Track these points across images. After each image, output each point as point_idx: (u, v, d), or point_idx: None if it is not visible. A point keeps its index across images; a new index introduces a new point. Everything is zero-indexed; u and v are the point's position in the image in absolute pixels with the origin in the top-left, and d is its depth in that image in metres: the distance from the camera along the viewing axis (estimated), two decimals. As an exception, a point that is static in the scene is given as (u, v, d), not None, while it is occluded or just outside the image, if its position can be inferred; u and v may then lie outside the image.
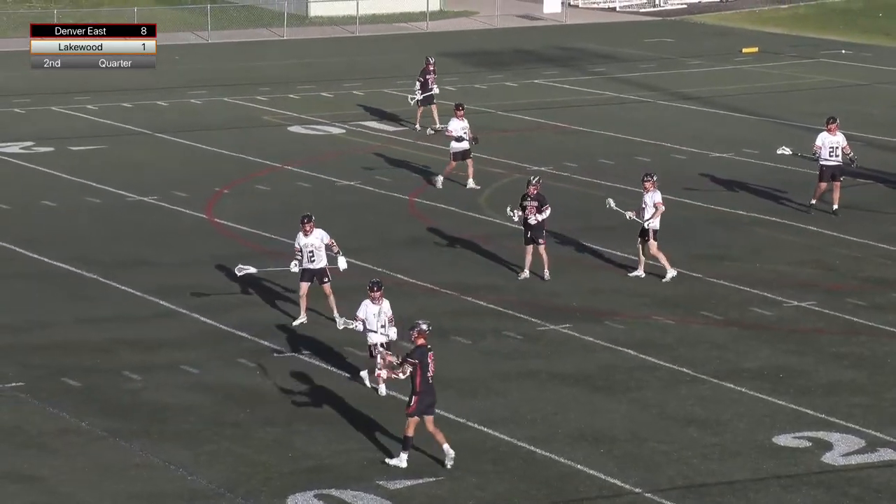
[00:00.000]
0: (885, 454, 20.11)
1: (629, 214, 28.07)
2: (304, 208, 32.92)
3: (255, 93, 46.52)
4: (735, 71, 51.46)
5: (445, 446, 19.65)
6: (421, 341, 19.74)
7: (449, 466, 19.54)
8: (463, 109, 34.96)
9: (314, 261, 25.19)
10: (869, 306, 26.25)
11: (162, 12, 60.54)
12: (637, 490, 19.15)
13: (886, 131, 40.47)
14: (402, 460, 19.67)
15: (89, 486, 19.23)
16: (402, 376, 19.83)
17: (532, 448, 20.44)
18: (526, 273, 28.01)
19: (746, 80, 49.32)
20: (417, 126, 40.60)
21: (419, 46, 56.42)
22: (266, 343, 24.51)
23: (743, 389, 22.49)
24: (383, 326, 22.06)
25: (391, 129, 41.76)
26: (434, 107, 40.47)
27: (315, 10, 62.37)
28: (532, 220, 27.81)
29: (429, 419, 19.66)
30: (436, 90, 40.74)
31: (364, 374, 22.68)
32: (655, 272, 27.88)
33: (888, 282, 27.71)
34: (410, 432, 19.67)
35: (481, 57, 54.13)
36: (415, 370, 19.58)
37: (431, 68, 40.66)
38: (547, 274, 27.84)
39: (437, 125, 38.84)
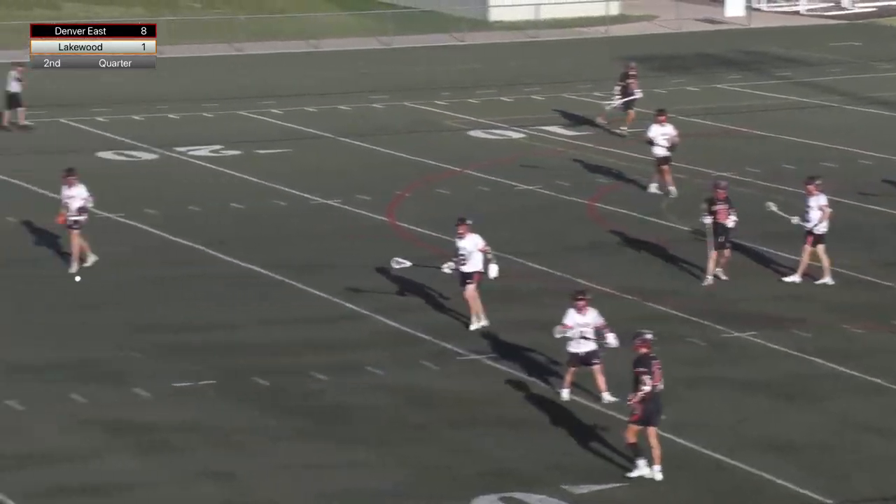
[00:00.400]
0: None
1: (794, 220, 27.73)
2: (483, 212, 33.14)
3: (436, 97, 46.80)
4: None
5: (657, 467, 19.30)
6: (644, 350, 19.37)
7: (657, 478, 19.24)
8: (664, 115, 34.58)
9: (464, 264, 25.19)
10: None
11: (346, 18, 61.26)
12: (829, 501, 18.87)
13: None
14: (640, 467, 19.32)
15: (278, 484, 19.54)
16: (645, 388, 19.18)
17: (718, 456, 20.25)
18: (710, 279, 27.78)
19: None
20: (625, 129, 40.28)
21: (599, 51, 56.28)
22: (448, 345, 24.65)
23: (933, 398, 22.03)
24: (584, 338, 21.84)
25: (571, 133, 41.69)
26: (631, 112, 40.18)
27: (495, 14, 62.54)
28: (730, 224, 27.54)
29: (651, 430, 19.25)
30: (639, 94, 40.50)
31: (565, 393, 22.36)
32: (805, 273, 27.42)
33: None
34: (633, 438, 19.31)
35: (662, 61, 53.75)
36: (641, 379, 19.22)
37: (633, 73, 40.37)
38: (724, 275, 27.52)
39: (625, 129, 38.95)
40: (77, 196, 28.38)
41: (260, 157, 38.68)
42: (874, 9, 66.58)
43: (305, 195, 34.66)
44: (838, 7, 67.08)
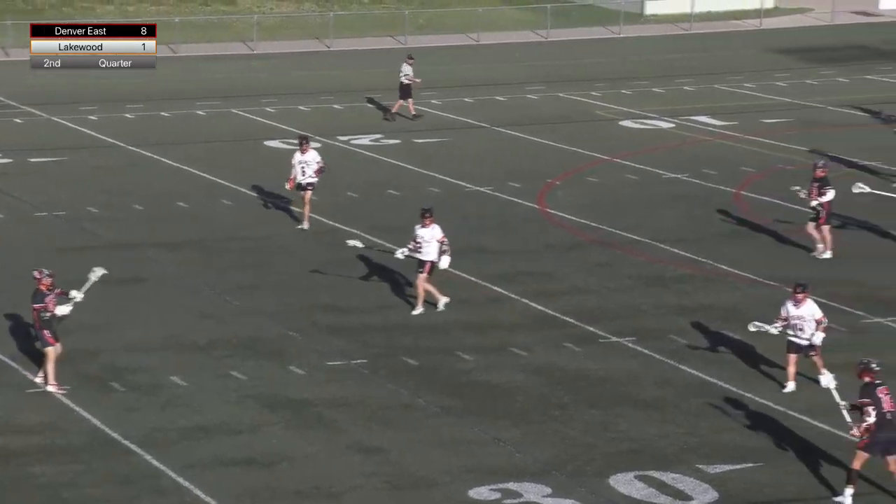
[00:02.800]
0: None
1: None
2: (630, 200, 33.00)
3: (590, 88, 46.63)
4: None
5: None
6: (867, 378, 18.33)
7: None
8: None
9: (419, 252, 25.15)
10: None
11: (504, 12, 61.29)
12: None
13: None
14: (846, 497, 18.22)
15: (425, 459, 19.70)
16: (869, 420, 18.04)
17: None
18: (818, 251, 27.89)
19: None
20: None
21: (752, 44, 55.57)
22: (591, 328, 24.60)
23: None
24: (801, 329, 21.45)
25: (719, 123, 41.27)
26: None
27: (650, 7, 62.06)
28: (813, 203, 27.60)
29: (892, 459, 18.05)
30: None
31: (791, 385, 21.59)
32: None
33: None
34: (857, 466, 18.23)
35: (814, 53, 52.90)
36: (865, 410, 18.20)
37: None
38: (828, 253, 27.62)
39: None
40: (311, 161, 30.27)
41: (418, 147, 38.90)
42: None
43: (460, 182, 34.79)
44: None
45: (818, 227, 28.23)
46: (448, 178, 35.18)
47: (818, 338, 21.48)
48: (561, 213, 32.04)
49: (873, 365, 18.32)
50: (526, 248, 29.52)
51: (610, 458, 19.60)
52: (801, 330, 21.60)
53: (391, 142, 39.29)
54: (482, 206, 32.88)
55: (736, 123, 41.02)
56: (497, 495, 18.48)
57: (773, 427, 20.45)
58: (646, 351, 23.54)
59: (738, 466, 19.17)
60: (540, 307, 25.76)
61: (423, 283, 25.35)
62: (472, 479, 18.91)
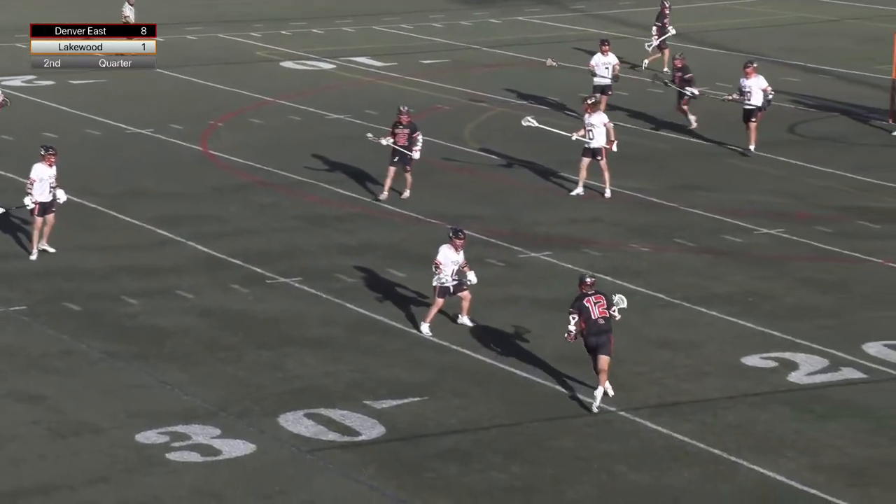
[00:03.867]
0: (847, 373, 20.12)
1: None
2: (293, 140, 32.87)
3: (249, 29, 46.11)
4: (710, 7, 51.08)
5: (599, 389, 19.06)
6: (581, 290, 19.36)
7: (595, 410, 18.96)
8: (608, 45, 34.17)
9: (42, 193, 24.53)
10: (836, 233, 26.17)
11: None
12: (612, 408, 19.13)
13: (853, 64, 40.18)
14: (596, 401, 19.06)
15: (90, 405, 19.17)
16: (572, 329, 19.16)
17: (513, 370, 20.40)
18: (385, 193, 28.09)
19: (719, 18, 48.97)
20: (666, 69, 38.85)
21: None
22: (259, 270, 24.40)
23: (714, 313, 22.45)
24: (456, 274, 21.56)
25: (379, 64, 41.48)
26: (666, 51, 39.28)
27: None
28: (415, 154, 27.80)
29: (601, 357, 19.09)
30: (672, 31, 39.38)
31: (425, 327, 21.81)
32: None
33: (855, 209, 27.63)
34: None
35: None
36: (579, 317, 19.17)
37: (667, 12, 39.59)
38: (407, 193, 27.92)
39: (665, 69, 38.27)
40: None
41: (74, 88, 37.72)
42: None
43: (120, 125, 33.94)
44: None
45: (395, 167, 27.92)
46: (107, 121, 34.26)
47: (471, 275, 21.61)
48: (225, 155, 31.64)
49: (586, 279, 19.51)
50: (190, 190, 29.05)
51: (279, 397, 19.49)
52: (457, 274, 21.71)
53: (45, 83, 37.97)
54: (144, 148, 32.16)
55: (395, 64, 41.29)
56: (165, 438, 18.14)
57: (436, 361, 20.73)
58: (312, 290, 23.50)
59: (403, 401, 19.35)
60: (206, 249, 25.40)
61: None
62: (140, 424, 18.50)
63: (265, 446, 18.00)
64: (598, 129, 28.27)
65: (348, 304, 22.93)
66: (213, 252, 25.27)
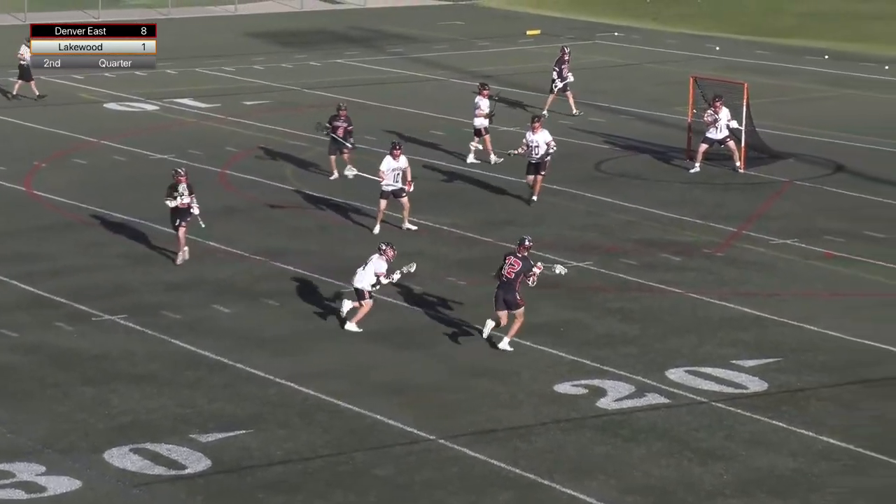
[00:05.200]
0: (651, 398, 20.50)
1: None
2: (118, 180, 32.40)
3: (71, 72, 45.36)
4: (520, 51, 51.86)
5: (506, 340, 21.72)
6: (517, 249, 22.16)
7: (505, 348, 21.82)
8: (488, 89, 34.40)
9: None
10: (640, 265, 26.69)
11: None
12: (432, 437, 19.21)
13: (654, 106, 41.16)
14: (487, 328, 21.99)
15: (-86, 446, 18.58)
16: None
17: (337, 401, 20.36)
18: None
19: (531, 60, 49.74)
20: (545, 112, 38.86)
21: (229, 28, 55.74)
22: (84, 307, 23.98)
23: (528, 343, 22.69)
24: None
25: (203, 105, 41.17)
26: (569, 94, 39.41)
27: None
28: (194, 210, 26.57)
29: (502, 314, 21.88)
30: (570, 78, 39.50)
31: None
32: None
33: (657, 243, 28.21)
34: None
35: (287, 37, 53.66)
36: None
37: (567, 58, 39.64)
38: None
39: (574, 111, 38.72)
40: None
41: None
42: (475, -9, 68.31)
43: (-57, 166, 33.10)
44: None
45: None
46: (-69, 162, 33.39)
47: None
48: (49, 195, 31.05)
49: (524, 242, 22.16)
50: (14, 229, 28.44)
51: (105, 433, 19.15)
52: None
53: None
54: (-32, 189, 31.40)
55: (218, 105, 41.03)
56: (-11, 478, 17.68)
57: (260, 394, 20.60)
58: (138, 327, 23.16)
59: (229, 434, 19.17)
60: (30, 288, 24.88)
61: None
62: (-34, 464, 18.01)
63: (91, 482, 17.67)
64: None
65: (174, 340, 22.66)
66: (38, 291, 24.76)
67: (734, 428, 19.44)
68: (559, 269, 22.69)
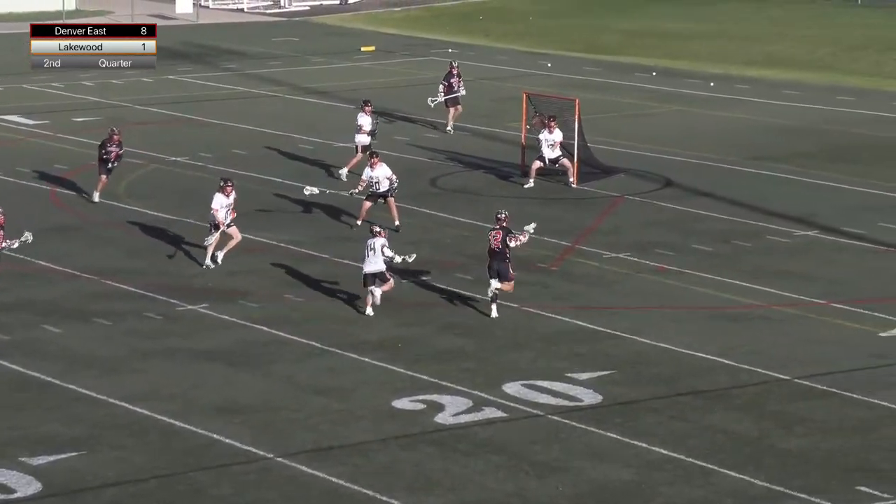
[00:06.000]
0: (489, 412, 20.59)
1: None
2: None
3: None
4: (354, 68, 51.88)
5: (492, 285, 24.22)
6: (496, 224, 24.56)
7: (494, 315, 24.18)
8: (370, 105, 34.35)
9: None
10: (476, 280, 26.82)
11: None
12: (269, 455, 19.04)
13: (488, 122, 41.48)
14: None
15: None
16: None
17: (171, 421, 20.06)
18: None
19: (366, 77, 49.79)
20: (449, 128, 39.33)
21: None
22: None
23: (366, 359, 22.65)
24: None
25: (32, 122, 40.36)
26: (458, 108, 39.41)
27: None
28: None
29: (495, 282, 24.24)
30: (462, 92, 39.42)
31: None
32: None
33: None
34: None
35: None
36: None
37: (456, 71, 39.46)
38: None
39: (449, 127, 38.95)
40: None
41: None
42: (308, 8, 68.56)
43: None
44: (277, 6, 68.56)
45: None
46: None
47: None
48: None
49: (498, 215, 24.72)
50: None
51: (-68, 458, 18.59)
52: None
53: None
54: None
55: (47, 122, 40.25)
56: None
57: (92, 415, 20.21)
58: (-35, 349, 22.55)
59: (60, 456, 18.76)
60: None
61: None
62: None
63: (-82, 509, 17.12)
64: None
65: (3, 362, 22.12)
66: None
67: (570, 440, 19.63)
68: (529, 228, 24.88)
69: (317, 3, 69.29)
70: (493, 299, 24.41)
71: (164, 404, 20.64)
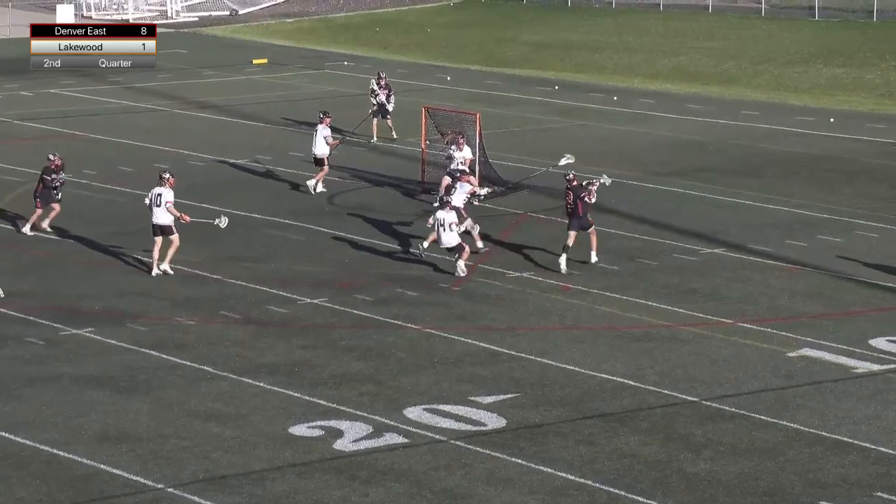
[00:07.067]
0: (389, 438, 20.51)
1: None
2: None
3: None
4: (246, 81, 51.63)
5: (592, 255, 28.52)
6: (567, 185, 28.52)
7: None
8: (330, 117, 34.91)
9: None
10: (375, 301, 26.77)
11: None
12: (160, 486, 18.80)
13: (387, 136, 41.44)
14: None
15: None
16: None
17: (55, 451, 19.75)
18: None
19: (257, 90, 49.58)
20: (373, 139, 39.78)
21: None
22: None
23: (261, 384, 22.49)
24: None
25: None
26: (381, 120, 39.92)
27: None
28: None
29: (572, 234, 28.28)
30: (390, 106, 39.98)
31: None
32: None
33: (392, 277, 28.36)
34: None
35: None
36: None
37: (383, 83, 39.76)
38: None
39: (374, 139, 39.63)
40: None
41: None
42: (196, 18, 68.10)
43: None
44: (165, 17, 67.99)
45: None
46: None
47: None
48: None
49: (567, 175, 28.63)
50: None
51: None
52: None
53: None
54: None
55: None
56: None
57: (-25, 446, 19.84)
58: None
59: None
60: None
61: None
62: None
63: None
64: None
65: None
66: None
67: (473, 466, 19.61)
68: (605, 180, 29.15)
69: (206, 13, 68.89)
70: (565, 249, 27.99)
71: (47, 433, 20.32)
